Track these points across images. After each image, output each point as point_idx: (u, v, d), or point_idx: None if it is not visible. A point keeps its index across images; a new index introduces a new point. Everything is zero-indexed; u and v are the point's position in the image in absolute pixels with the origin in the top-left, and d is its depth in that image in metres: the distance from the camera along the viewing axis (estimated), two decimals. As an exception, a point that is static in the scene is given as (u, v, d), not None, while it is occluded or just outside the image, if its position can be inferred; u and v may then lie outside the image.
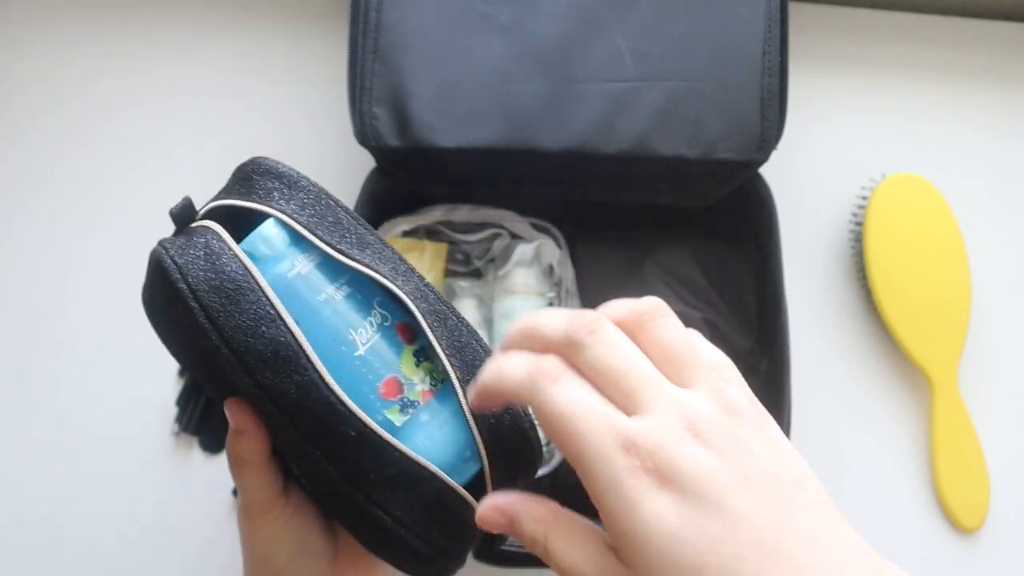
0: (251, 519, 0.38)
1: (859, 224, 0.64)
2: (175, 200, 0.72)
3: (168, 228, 0.71)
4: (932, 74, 0.71)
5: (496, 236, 0.62)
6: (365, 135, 0.53)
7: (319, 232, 0.35)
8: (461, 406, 0.34)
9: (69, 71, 0.70)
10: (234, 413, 0.36)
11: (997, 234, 0.68)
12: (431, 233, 0.62)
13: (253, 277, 0.33)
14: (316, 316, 0.34)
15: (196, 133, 0.69)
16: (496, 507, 0.32)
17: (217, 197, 0.37)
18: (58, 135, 0.69)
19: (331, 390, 0.32)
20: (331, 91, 0.67)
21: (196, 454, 0.63)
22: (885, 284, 0.63)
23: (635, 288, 0.60)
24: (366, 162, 0.59)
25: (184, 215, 0.36)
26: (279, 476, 0.38)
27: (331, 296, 0.34)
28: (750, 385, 0.56)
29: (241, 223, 0.35)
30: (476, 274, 0.63)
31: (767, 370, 0.58)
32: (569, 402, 0.30)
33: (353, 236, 0.35)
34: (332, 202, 0.36)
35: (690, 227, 0.62)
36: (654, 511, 0.29)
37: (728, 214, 0.61)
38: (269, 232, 0.35)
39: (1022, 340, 0.66)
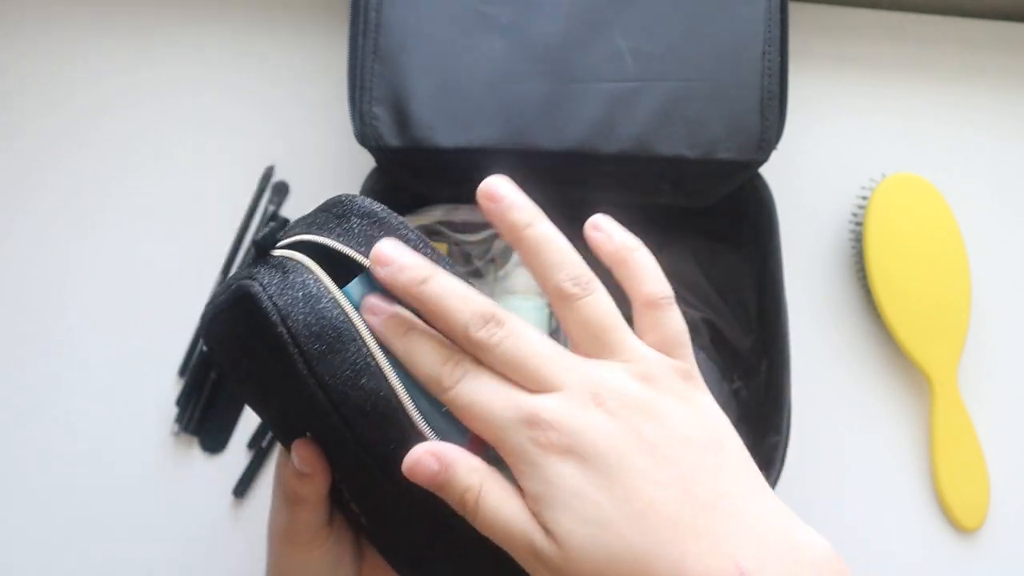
0: (292, 547, 0.38)
1: (859, 224, 0.64)
2: (174, 199, 0.72)
3: (169, 228, 0.71)
4: (932, 74, 0.71)
5: (496, 236, 0.62)
6: (365, 135, 0.53)
7: None
8: None
9: (68, 70, 0.70)
10: (303, 456, 0.35)
11: (997, 234, 0.68)
12: (431, 233, 0.62)
13: (354, 326, 0.32)
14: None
15: (196, 133, 0.69)
16: (432, 451, 0.32)
17: (307, 230, 0.35)
18: (57, 134, 0.69)
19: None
20: (331, 91, 0.67)
21: (196, 454, 0.63)
22: (885, 284, 0.63)
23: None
24: (366, 162, 0.59)
25: (268, 243, 0.34)
26: (330, 510, 0.38)
27: None
28: (750, 385, 0.58)
29: (332, 262, 0.34)
30: (476, 274, 0.63)
31: (767, 370, 0.58)
32: (472, 392, 0.32)
33: None
34: (432, 251, 0.35)
35: (690, 227, 0.62)
36: (559, 475, 0.31)
37: (728, 214, 0.61)
38: (368, 282, 0.34)
39: (1022, 340, 0.66)
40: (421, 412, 0.32)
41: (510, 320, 0.33)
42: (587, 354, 0.34)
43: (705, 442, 0.33)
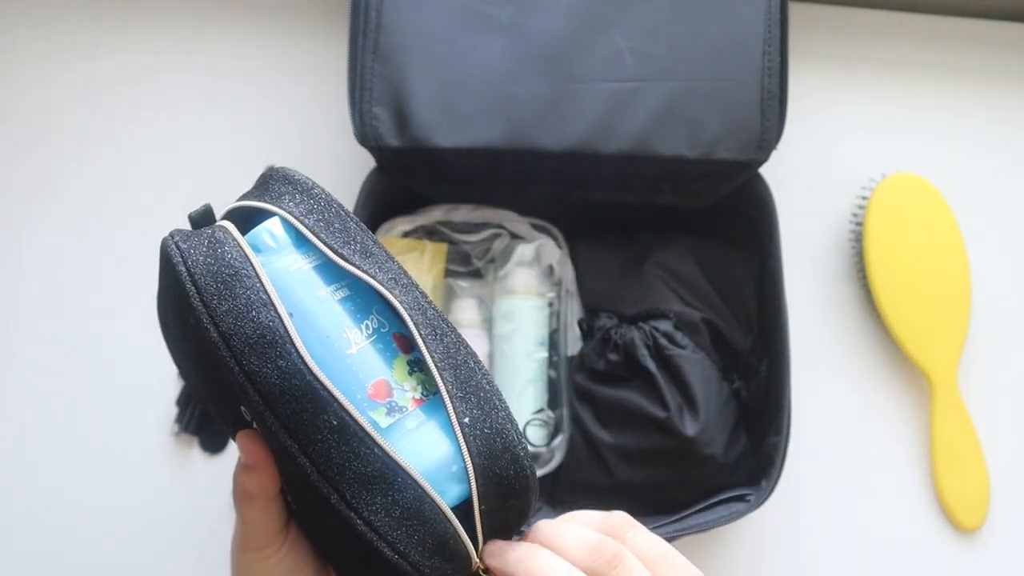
0: (247, 552, 0.38)
1: (859, 224, 0.64)
2: (173, 200, 0.72)
3: (169, 228, 0.71)
4: (932, 74, 0.71)
5: (496, 236, 0.62)
6: (365, 135, 0.53)
7: (323, 236, 0.35)
8: (451, 420, 0.34)
9: (68, 71, 0.70)
10: (246, 446, 0.36)
11: (997, 234, 0.68)
12: (431, 233, 0.62)
13: (252, 264, 0.33)
14: (310, 311, 0.34)
15: (196, 133, 0.69)
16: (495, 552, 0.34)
17: (235, 200, 0.38)
18: (57, 138, 0.69)
19: (315, 375, 0.32)
20: (331, 91, 0.67)
21: (196, 454, 0.63)
22: (885, 284, 0.63)
23: (635, 288, 0.60)
24: (366, 162, 0.59)
25: (203, 220, 0.37)
26: (283, 513, 0.38)
27: (328, 295, 0.35)
28: (750, 385, 0.57)
29: (254, 225, 0.36)
30: (476, 274, 0.63)
31: (767, 370, 0.58)
32: None
33: (357, 244, 0.36)
34: (342, 211, 0.37)
35: (690, 227, 0.62)
36: None
37: (728, 214, 0.61)
38: (274, 228, 0.35)
39: (1022, 340, 0.66)
40: (310, 347, 0.33)
41: (633, 564, 0.34)
42: None
43: None
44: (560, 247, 0.61)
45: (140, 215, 0.67)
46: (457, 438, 0.33)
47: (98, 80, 0.70)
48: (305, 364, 0.32)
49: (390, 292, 0.35)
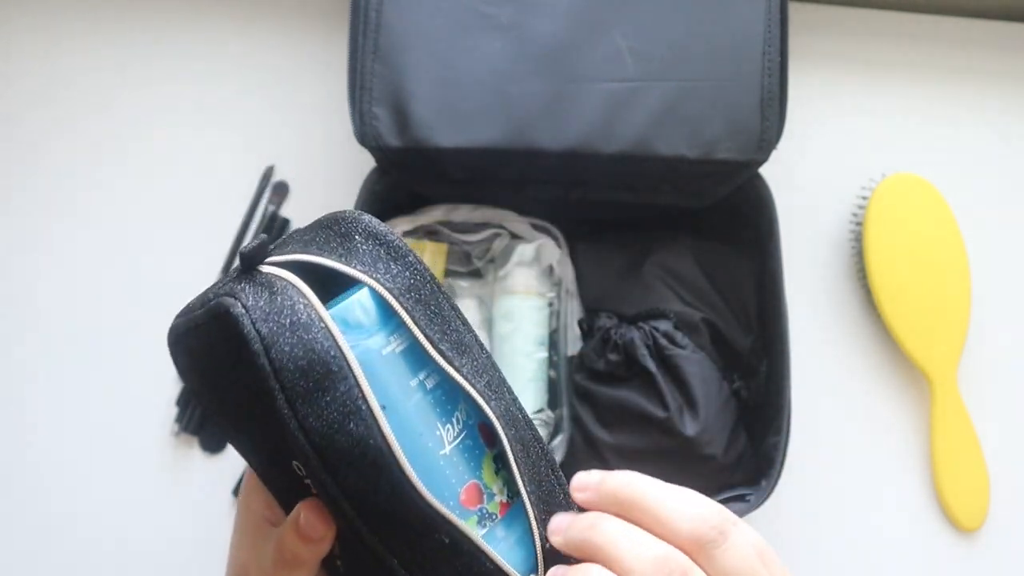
0: None
1: (859, 224, 0.64)
2: (174, 199, 0.72)
3: (169, 228, 0.71)
4: (932, 74, 0.71)
5: (496, 236, 0.62)
6: (365, 135, 0.53)
7: (421, 321, 0.31)
8: (532, 529, 0.32)
9: (67, 71, 0.70)
10: (313, 519, 0.32)
11: (997, 234, 0.68)
12: (431, 233, 0.62)
13: (346, 359, 0.29)
14: (403, 405, 0.30)
15: (196, 133, 0.69)
16: None
17: (305, 248, 0.32)
18: (58, 135, 0.69)
19: (423, 498, 0.29)
20: (331, 91, 0.67)
21: (196, 454, 0.63)
22: (885, 284, 0.63)
23: (635, 288, 0.60)
24: (366, 162, 0.59)
25: (257, 257, 0.31)
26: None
27: (419, 386, 0.31)
28: (750, 385, 0.57)
29: (330, 287, 0.31)
30: (476, 274, 0.63)
31: (767, 370, 0.58)
32: None
33: (453, 334, 0.32)
34: (437, 288, 0.32)
35: (690, 227, 0.62)
36: None
37: (728, 214, 0.61)
38: (365, 301, 0.31)
39: (1022, 340, 0.66)
40: (408, 453, 0.29)
41: (740, 530, 0.31)
42: None
43: None
44: (560, 247, 0.61)
45: (141, 214, 0.67)
46: (537, 552, 0.32)
47: (95, 80, 0.70)
48: (413, 488, 0.29)
49: (487, 404, 0.31)
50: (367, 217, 0.32)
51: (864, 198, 0.64)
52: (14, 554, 0.61)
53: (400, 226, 0.61)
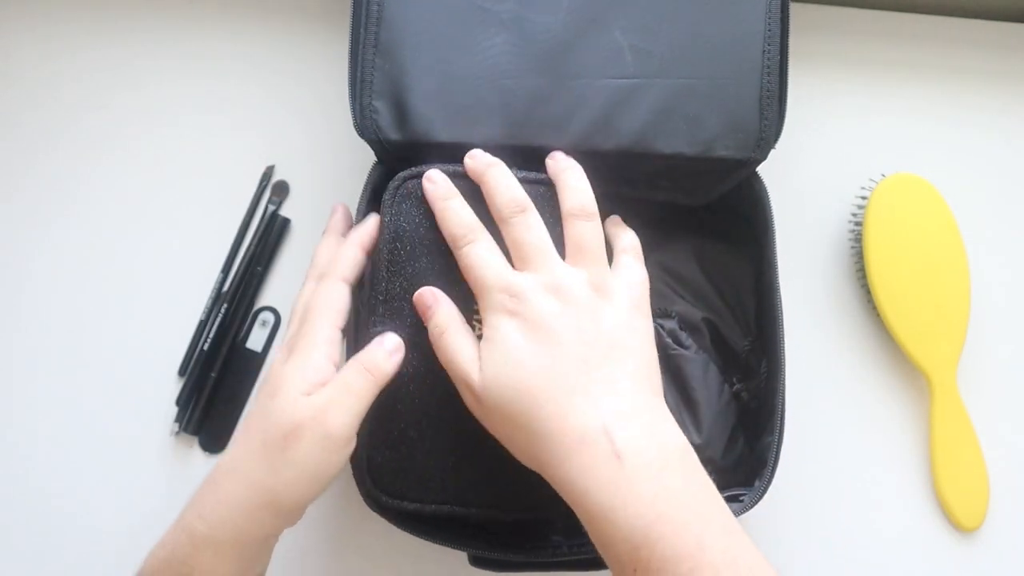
0: (336, 451, 0.45)
1: (859, 224, 0.64)
2: (174, 198, 0.72)
3: (169, 227, 0.71)
4: (932, 74, 0.71)
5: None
6: (365, 128, 0.54)
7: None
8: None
9: (66, 71, 0.70)
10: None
11: (997, 234, 0.68)
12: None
13: None
14: None
15: (196, 133, 0.69)
16: (432, 292, 0.48)
17: None
18: (57, 135, 0.69)
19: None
20: (331, 91, 0.67)
21: (196, 454, 0.63)
22: (885, 284, 0.63)
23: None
24: (366, 162, 0.59)
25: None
26: None
27: None
28: (750, 385, 0.57)
29: None
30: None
31: (767, 370, 0.58)
32: (476, 255, 0.47)
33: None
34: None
35: (690, 227, 0.62)
36: (508, 328, 0.44)
37: (727, 213, 0.61)
38: None
39: (1022, 340, 0.66)
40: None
41: (532, 214, 0.48)
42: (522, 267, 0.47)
43: (619, 346, 0.44)
44: None
45: (141, 214, 0.67)
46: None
47: (94, 79, 0.70)
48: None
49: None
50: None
51: (864, 198, 0.65)
52: (14, 554, 0.61)
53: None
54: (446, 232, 0.49)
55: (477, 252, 0.47)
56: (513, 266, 0.47)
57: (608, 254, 0.50)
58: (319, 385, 0.45)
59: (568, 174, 0.50)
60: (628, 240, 0.52)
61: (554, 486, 0.42)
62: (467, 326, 0.47)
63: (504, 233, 0.48)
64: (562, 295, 0.45)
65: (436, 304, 0.48)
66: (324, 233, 0.55)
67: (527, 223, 0.48)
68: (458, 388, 0.46)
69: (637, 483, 0.40)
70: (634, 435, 0.41)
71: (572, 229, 0.48)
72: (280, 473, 0.44)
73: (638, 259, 0.51)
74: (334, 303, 0.49)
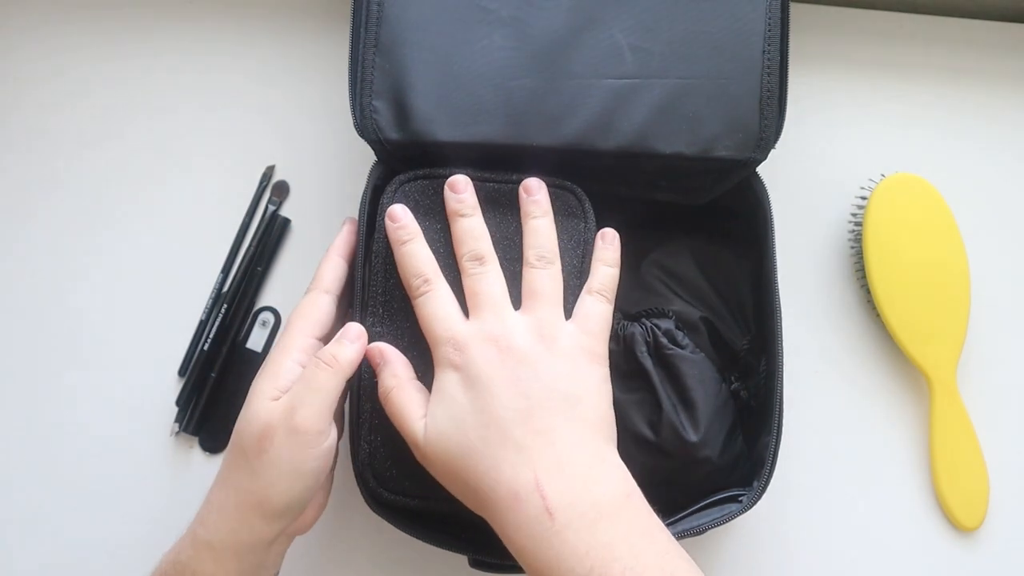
0: (310, 445, 0.45)
1: (858, 224, 0.64)
2: (174, 198, 0.72)
3: (169, 228, 0.71)
4: (932, 74, 0.71)
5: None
6: (365, 127, 0.54)
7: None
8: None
9: (66, 71, 0.70)
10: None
11: (997, 234, 0.68)
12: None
13: None
14: None
15: (196, 133, 0.69)
16: (381, 350, 0.49)
17: None
18: (57, 135, 0.69)
19: None
20: (331, 91, 0.67)
21: (196, 454, 0.63)
22: (884, 284, 0.63)
23: (633, 287, 0.60)
24: (366, 162, 0.59)
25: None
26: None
27: None
28: (749, 384, 0.57)
29: None
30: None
31: (765, 369, 0.58)
32: (430, 308, 0.48)
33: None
34: None
35: (689, 225, 0.62)
36: (451, 382, 0.45)
37: (726, 213, 0.61)
38: None
39: (1022, 340, 0.66)
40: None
41: (491, 264, 0.49)
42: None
43: (563, 395, 0.45)
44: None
45: (141, 214, 0.67)
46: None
47: (94, 79, 0.70)
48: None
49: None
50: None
51: (863, 198, 0.65)
52: (13, 554, 0.61)
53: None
54: (403, 279, 0.50)
55: (429, 303, 0.48)
56: (467, 315, 0.48)
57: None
58: (287, 389, 0.46)
59: (532, 219, 0.51)
60: (599, 279, 0.51)
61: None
62: (416, 382, 0.48)
63: (463, 282, 0.49)
64: (502, 344, 0.45)
65: (384, 364, 0.48)
66: (327, 251, 0.55)
67: (484, 274, 0.49)
68: (408, 442, 0.47)
69: (570, 538, 0.40)
70: (567, 487, 0.42)
71: (527, 275, 0.49)
72: (260, 476, 0.44)
73: (603, 301, 0.50)
74: (308, 313, 0.50)
